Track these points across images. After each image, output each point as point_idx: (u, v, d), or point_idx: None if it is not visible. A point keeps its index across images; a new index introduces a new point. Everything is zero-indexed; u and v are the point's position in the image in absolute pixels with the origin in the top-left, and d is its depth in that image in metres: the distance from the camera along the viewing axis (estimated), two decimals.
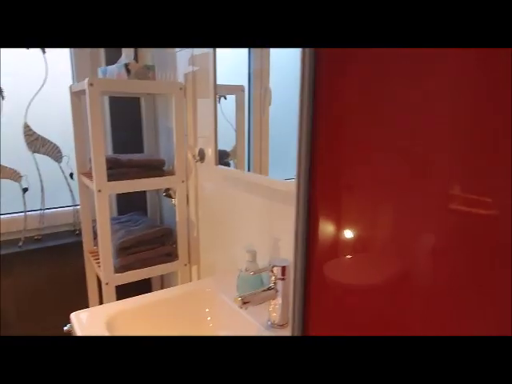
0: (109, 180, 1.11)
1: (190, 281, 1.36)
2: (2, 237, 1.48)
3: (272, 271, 0.74)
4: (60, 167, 1.53)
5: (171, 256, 1.30)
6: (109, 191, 1.12)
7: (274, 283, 0.74)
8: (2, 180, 1.44)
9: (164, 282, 1.62)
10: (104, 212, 1.12)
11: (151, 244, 1.26)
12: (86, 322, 0.77)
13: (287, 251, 0.86)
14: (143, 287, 1.64)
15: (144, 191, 1.59)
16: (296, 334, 0.44)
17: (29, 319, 1.50)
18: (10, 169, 1.44)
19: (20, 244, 1.47)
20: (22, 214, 1.49)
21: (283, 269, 0.73)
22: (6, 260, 1.42)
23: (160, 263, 1.27)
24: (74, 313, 0.81)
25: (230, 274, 1.01)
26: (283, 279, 0.74)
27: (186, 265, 1.32)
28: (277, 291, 0.74)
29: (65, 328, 1.01)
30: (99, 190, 1.10)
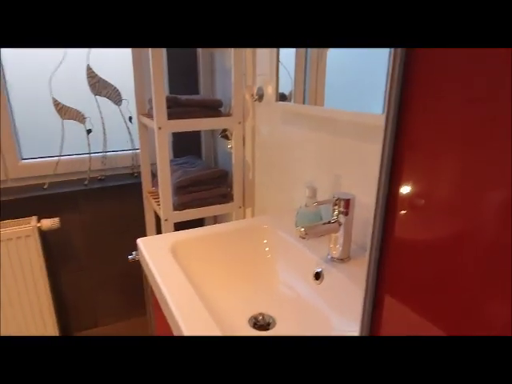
0: (169, 118, 1.12)
1: None
2: (71, 176, 1.58)
3: (336, 204, 0.72)
4: (120, 110, 1.57)
5: (226, 198, 1.32)
6: (169, 129, 1.14)
7: (337, 217, 0.73)
8: (68, 121, 1.51)
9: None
10: (164, 149, 1.14)
11: (207, 185, 1.29)
12: (151, 247, 0.81)
13: (349, 188, 0.83)
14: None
15: (199, 135, 1.60)
16: (368, 299, 0.42)
17: (94, 253, 1.63)
18: (75, 110, 1.51)
19: (86, 183, 1.56)
20: (87, 155, 1.57)
21: (347, 202, 0.71)
22: (73, 197, 1.52)
23: (215, 204, 1.30)
24: (140, 238, 0.85)
25: (287, 213, 1.00)
26: (346, 213, 0.72)
27: (240, 207, 1.34)
28: (339, 224, 0.72)
29: (130, 257, 1.08)
30: (159, 128, 1.11)
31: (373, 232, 0.40)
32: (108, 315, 1.75)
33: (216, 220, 1.68)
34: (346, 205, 0.71)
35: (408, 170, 0.37)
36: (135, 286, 1.75)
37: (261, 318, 0.72)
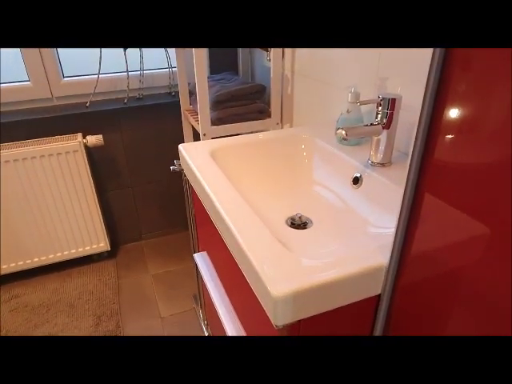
0: None
1: None
2: (110, 95, 1.60)
3: (380, 104, 0.69)
4: None
5: (264, 113, 1.30)
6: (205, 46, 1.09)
7: (380, 118, 0.70)
8: None
9: None
10: (201, 66, 1.11)
11: (244, 100, 1.26)
12: (192, 152, 0.83)
13: (395, 90, 0.78)
14: None
15: (235, 50, 1.54)
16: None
17: (137, 170, 1.70)
18: None
19: (125, 101, 1.58)
20: (125, 73, 1.57)
21: (392, 102, 0.68)
22: (114, 115, 1.56)
23: (252, 119, 1.28)
24: (182, 144, 0.87)
25: (327, 126, 0.98)
26: (391, 114, 0.69)
27: (278, 123, 1.32)
28: (383, 127, 0.70)
29: (172, 167, 1.11)
30: None
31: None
32: (151, 229, 1.87)
33: None
34: (392, 105, 0.68)
35: (456, 90, 0.34)
36: (177, 201, 1.84)
37: (298, 218, 0.74)
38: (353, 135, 0.68)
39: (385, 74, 0.80)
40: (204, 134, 1.22)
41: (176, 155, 1.67)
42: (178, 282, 1.62)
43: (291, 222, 0.73)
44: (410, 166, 0.42)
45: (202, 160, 0.79)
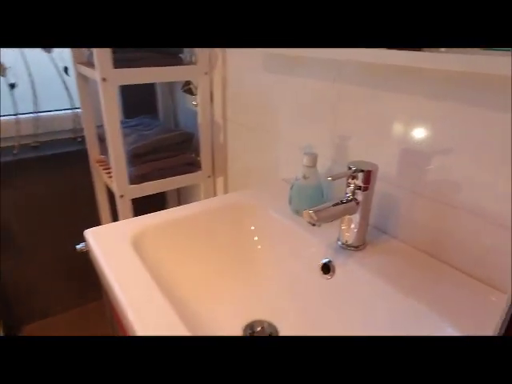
0: (115, 67, 0.87)
1: (215, 195, 1.19)
2: None
3: (352, 177, 0.55)
4: (52, 59, 1.26)
5: (193, 166, 1.11)
6: (116, 81, 0.88)
7: (353, 193, 0.56)
8: None
9: (181, 198, 1.46)
10: (112, 107, 0.90)
11: (169, 151, 1.06)
12: (104, 242, 0.61)
13: (359, 155, 0.66)
14: (157, 205, 1.48)
15: (154, 89, 1.34)
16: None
17: (37, 235, 1.37)
18: None
19: (15, 152, 1.27)
20: (13, 117, 1.26)
21: (367, 174, 0.54)
22: (2, 169, 1.24)
23: (180, 174, 1.09)
24: (88, 230, 0.64)
25: (274, 185, 0.82)
26: (366, 188, 0.55)
27: (209, 176, 1.13)
28: (357, 203, 0.56)
29: (78, 246, 0.85)
30: (104, 79, 0.86)
31: None
32: (59, 303, 1.53)
33: (179, 194, 1.47)
34: (367, 178, 0.54)
35: None
36: (85, 266, 1.53)
37: (259, 328, 0.55)
38: (324, 219, 0.53)
39: (346, 132, 0.68)
40: (121, 196, 0.99)
41: (87, 218, 1.38)
42: None
43: (251, 334, 0.55)
44: None
45: (120, 257, 0.57)
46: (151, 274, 0.53)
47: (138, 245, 0.61)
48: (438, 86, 0.51)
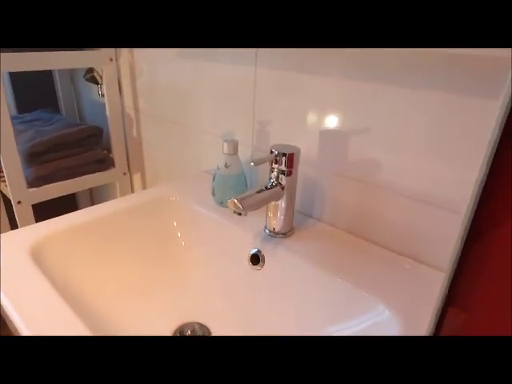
0: None
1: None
2: None
3: (275, 161, 0.53)
4: None
5: (104, 163, 1.01)
6: (2, 67, 0.75)
7: (276, 179, 0.54)
8: None
9: (95, 200, 1.33)
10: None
11: (75, 148, 0.95)
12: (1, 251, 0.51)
13: (280, 138, 0.64)
14: (67, 209, 1.33)
15: (51, 78, 1.19)
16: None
17: None
18: None
19: None
20: None
21: (290, 158, 0.53)
22: None
23: (89, 173, 0.98)
24: None
25: (195, 178, 0.78)
26: (290, 172, 0.53)
27: (125, 173, 1.04)
28: (282, 188, 0.54)
29: None
30: None
31: None
32: None
33: (92, 194, 1.34)
34: (290, 161, 0.53)
35: None
36: None
37: (190, 331, 0.51)
38: (250, 207, 0.50)
39: (264, 116, 0.65)
40: (18, 202, 0.86)
41: None
42: None
43: None
44: None
45: (14, 271, 0.48)
46: (56, 287, 0.45)
47: (39, 255, 0.52)
48: (356, 66, 0.51)
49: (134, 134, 1.00)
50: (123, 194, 1.07)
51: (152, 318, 0.54)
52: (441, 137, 0.46)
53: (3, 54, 0.75)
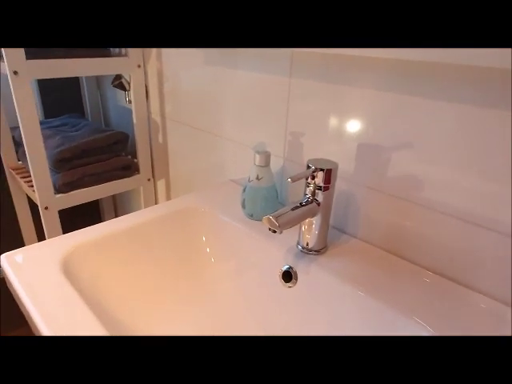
0: (28, 58, 0.74)
1: (156, 202, 1.10)
2: None
3: (312, 177, 0.51)
4: None
5: (129, 169, 1.00)
6: (30, 74, 0.76)
7: (313, 194, 0.52)
8: None
9: (118, 206, 1.34)
10: (28, 105, 0.77)
11: (101, 154, 0.95)
12: (27, 266, 0.50)
13: (311, 152, 0.62)
14: (91, 215, 1.34)
15: (78, 84, 1.20)
16: None
17: None
18: None
19: None
20: None
21: (328, 173, 0.50)
22: None
23: (115, 179, 0.98)
24: (4, 255, 0.53)
25: (223, 187, 0.76)
26: (327, 188, 0.51)
27: (149, 180, 1.04)
28: (318, 205, 0.52)
29: None
30: (15, 72, 0.73)
31: None
32: None
33: (115, 201, 1.34)
34: (327, 177, 0.51)
35: None
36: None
37: None
38: (286, 224, 0.48)
39: (298, 128, 0.63)
40: (46, 208, 0.86)
41: (7, 235, 1.20)
42: None
43: None
44: None
45: (46, 286, 0.47)
46: (88, 304, 0.44)
47: (67, 267, 0.51)
48: (393, 78, 0.49)
49: (160, 140, 0.99)
50: (147, 199, 1.06)
51: (177, 333, 0.52)
52: (489, 154, 0.43)
53: (33, 61, 0.75)
